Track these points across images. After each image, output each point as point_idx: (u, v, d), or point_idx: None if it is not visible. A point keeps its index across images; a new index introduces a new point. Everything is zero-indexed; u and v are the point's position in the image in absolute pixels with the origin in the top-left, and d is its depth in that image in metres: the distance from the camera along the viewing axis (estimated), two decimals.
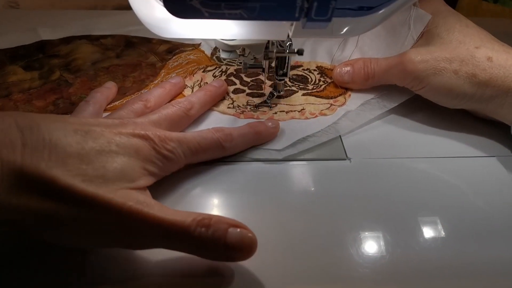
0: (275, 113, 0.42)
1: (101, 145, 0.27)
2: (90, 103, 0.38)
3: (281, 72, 0.39)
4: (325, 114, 0.42)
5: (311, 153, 0.38)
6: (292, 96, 0.44)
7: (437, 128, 0.42)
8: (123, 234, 0.25)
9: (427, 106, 0.43)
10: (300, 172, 0.36)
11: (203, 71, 0.47)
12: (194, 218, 0.25)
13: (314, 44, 0.50)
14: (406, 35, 0.43)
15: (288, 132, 0.39)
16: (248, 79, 0.46)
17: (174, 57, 0.49)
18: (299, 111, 0.42)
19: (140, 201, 0.25)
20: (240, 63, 0.45)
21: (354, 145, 0.39)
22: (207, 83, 0.45)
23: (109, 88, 0.42)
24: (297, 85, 0.46)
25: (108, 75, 0.46)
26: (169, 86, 0.42)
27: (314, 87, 0.46)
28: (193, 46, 0.51)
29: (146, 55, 0.50)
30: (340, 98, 0.44)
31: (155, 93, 0.40)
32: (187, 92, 0.44)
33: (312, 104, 0.43)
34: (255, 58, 0.39)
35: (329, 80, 0.46)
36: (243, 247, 0.25)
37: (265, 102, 0.43)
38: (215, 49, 0.51)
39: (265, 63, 0.39)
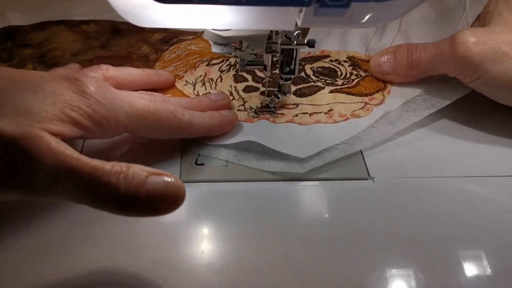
0: (296, 115, 0.38)
1: (1, 74, 0.26)
2: None
3: (287, 69, 0.36)
4: (358, 116, 0.38)
5: (325, 171, 0.34)
6: (317, 93, 0.40)
7: (486, 134, 0.38)
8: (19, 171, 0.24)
9: (473, 107, 0.39)
10: (312, 195, 0.34)
11: (207, 65, 0.43)
12: (113, 164, 0.24)
13: (343, 30, 0.46)
14: (460, 18, 0.39)
15: (313, 140, 0.35)
16: (263, 75, 0.42)
17: (171, 48, 0.46)
18: (325, 113, 0.38)
19: (49, 138, 0.24)
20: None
21: (378, 161, 0.36)
22: (211, 79, 0.41)
23: (72, 70, 0.39)
24: (323, 80, 0.42)
25: None
26: (150, 71, 0.39)
27: (345, 82, 0.42)
28: (194, 34, 0.47)
29: (138, 45, 0.46)
30: (377, 95, 0.40)
31: (126, 70, 0.38)
32: (187, 90, 0.40)
33: (342, 103, 0.39)
34: (254, 53, 0.36)
35: (363, 74, 0.42)
36: (167, 196, 0.24)
37: (267, 106, 0.39)
38: None
39: (266, 58, 0.36)
